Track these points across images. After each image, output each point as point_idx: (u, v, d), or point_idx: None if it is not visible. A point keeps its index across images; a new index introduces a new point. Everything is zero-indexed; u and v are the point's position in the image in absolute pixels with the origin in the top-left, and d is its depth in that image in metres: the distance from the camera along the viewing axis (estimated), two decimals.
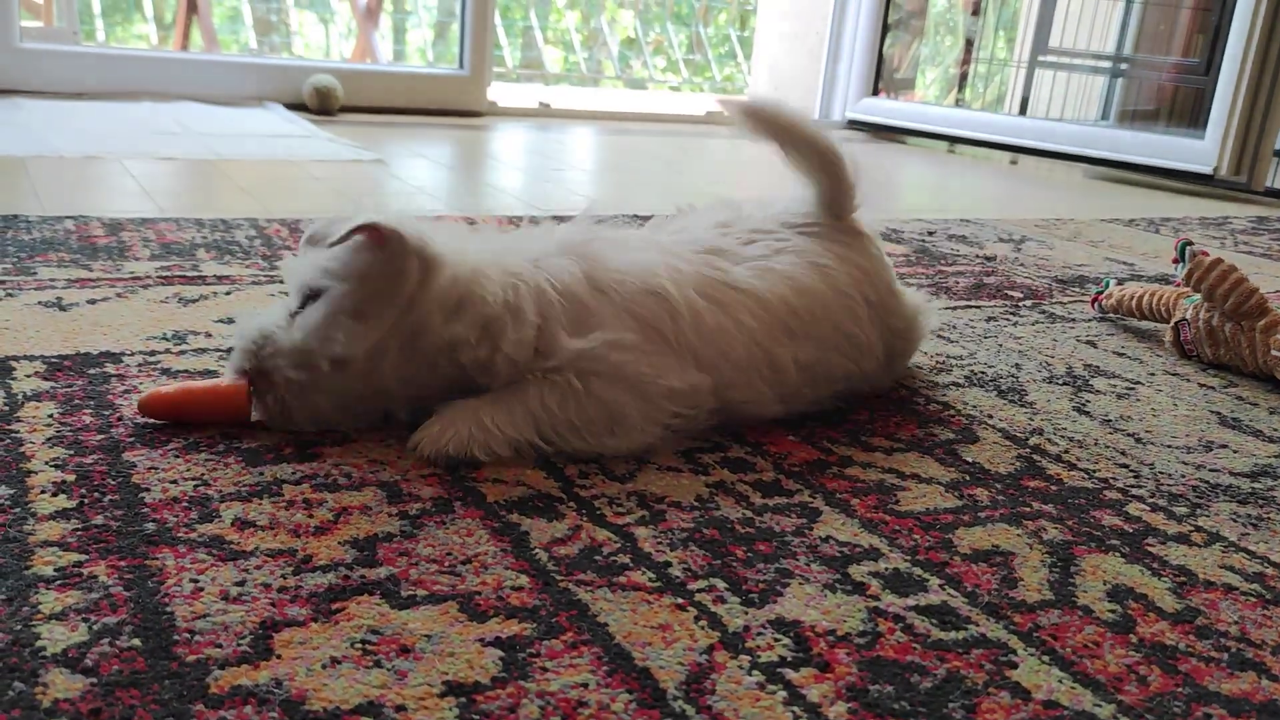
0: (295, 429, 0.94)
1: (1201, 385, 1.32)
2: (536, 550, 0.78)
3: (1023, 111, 4.22)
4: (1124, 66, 4.16)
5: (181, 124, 2.83)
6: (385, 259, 0.91)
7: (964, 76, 4.68)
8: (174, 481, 0.83)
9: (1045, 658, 0.70)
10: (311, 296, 0.93)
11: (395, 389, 0.94)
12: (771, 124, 1.12)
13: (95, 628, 0.63)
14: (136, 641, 0.63)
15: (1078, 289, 1.81)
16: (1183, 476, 1.02)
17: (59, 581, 0.68)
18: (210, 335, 1.19)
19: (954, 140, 4.07)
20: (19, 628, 0.63)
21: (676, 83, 6.87)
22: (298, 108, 3.32)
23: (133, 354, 1.10)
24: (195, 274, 1.43)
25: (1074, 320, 1.60)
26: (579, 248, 1.00)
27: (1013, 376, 1.29)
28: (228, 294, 1.35)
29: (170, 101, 3.16)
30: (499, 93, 3.90)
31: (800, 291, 1.05)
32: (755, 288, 1.03)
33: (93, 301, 1.27)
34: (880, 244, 1.18)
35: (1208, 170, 3.28)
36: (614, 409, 0.93)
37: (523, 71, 6.24)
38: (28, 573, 0.69)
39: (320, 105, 3.32)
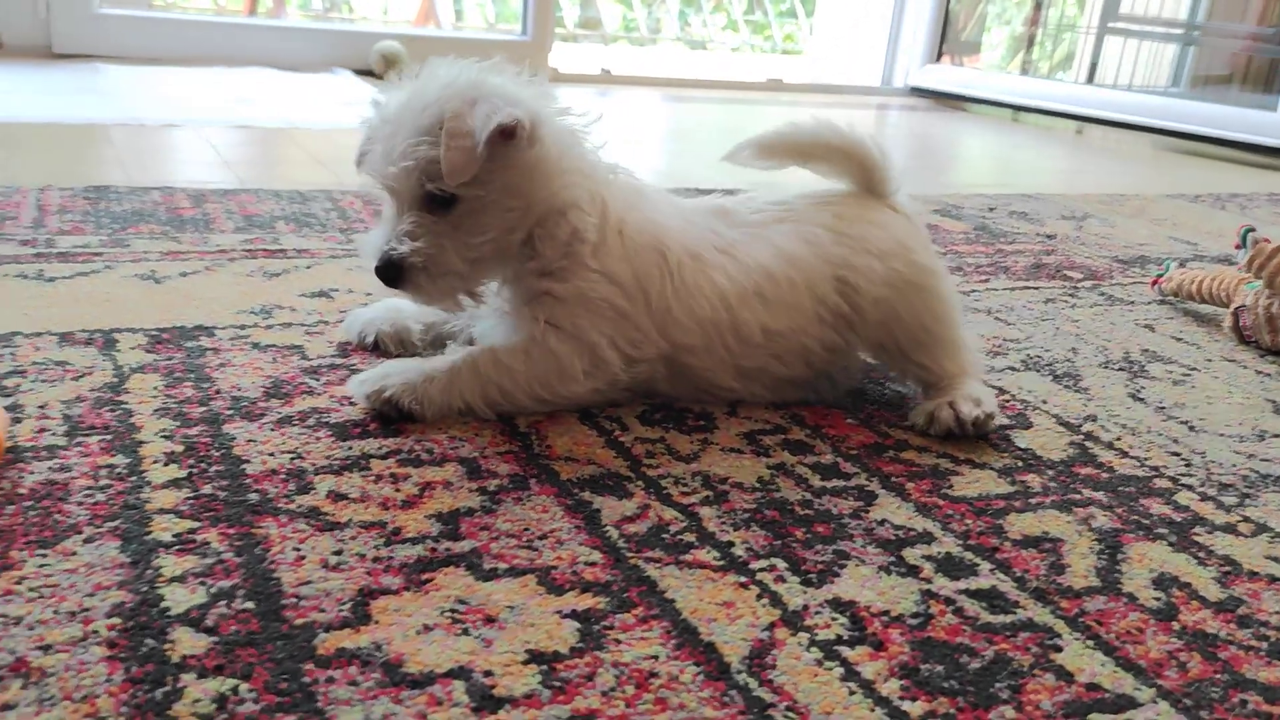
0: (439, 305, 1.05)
1: (1259, 372, 1.33)
2: (607, 528, 0.83)
3: (1090, 78, 4.15)
4: (1196, 34, 4.07)
5: (254, 91, 2.90)
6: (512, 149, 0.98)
7: (1031, 38, 4.60)
8: (271, 454, 0.90)
9: (1090, 642, 0.74)
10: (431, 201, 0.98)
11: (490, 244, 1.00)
12: (785, 148, 1.13)
13: (212, 591, 0.70)
14: (250, 604, 0.69)
15: (1138, 269, 1.82)
16: (1234, 466, 1.05)
17: (176, 547, 0.75)
18: (295, 310, 1.25)
19: (1018, 109, 4.03)
20: (145, 589, 0.69)
21: (736, 43, 6.82)
22: (365, 73, 3.38)
23: (224, 328, 1.17)
24: (276, 247, 1.50)
25: (1133, 303, 1.61)
26: (633, 189, 1.08)
27: (1069, 361, 1.32)
28: (308, 268, 1.41)
29: (242, 67, 3.24)
30: (560, 57, 3.93)
31: (782, 257, 1.07)
32: (736, 250, 1.07)
33: (184, 274, 1.34)
34: (915, 218, 1.17)
35: (1279, 143, 3.22)
36: (564, 362, 1.01)
37: (581, 32, 6.23)
38: (148, 538, 0.75)
39: (387, 70, 3.38)
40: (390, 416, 0.98)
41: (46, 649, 0.63)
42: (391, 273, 0.97)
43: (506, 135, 0.96)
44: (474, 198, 0.97)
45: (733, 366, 1.06)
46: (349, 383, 1.01)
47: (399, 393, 0.97)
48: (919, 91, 4.36)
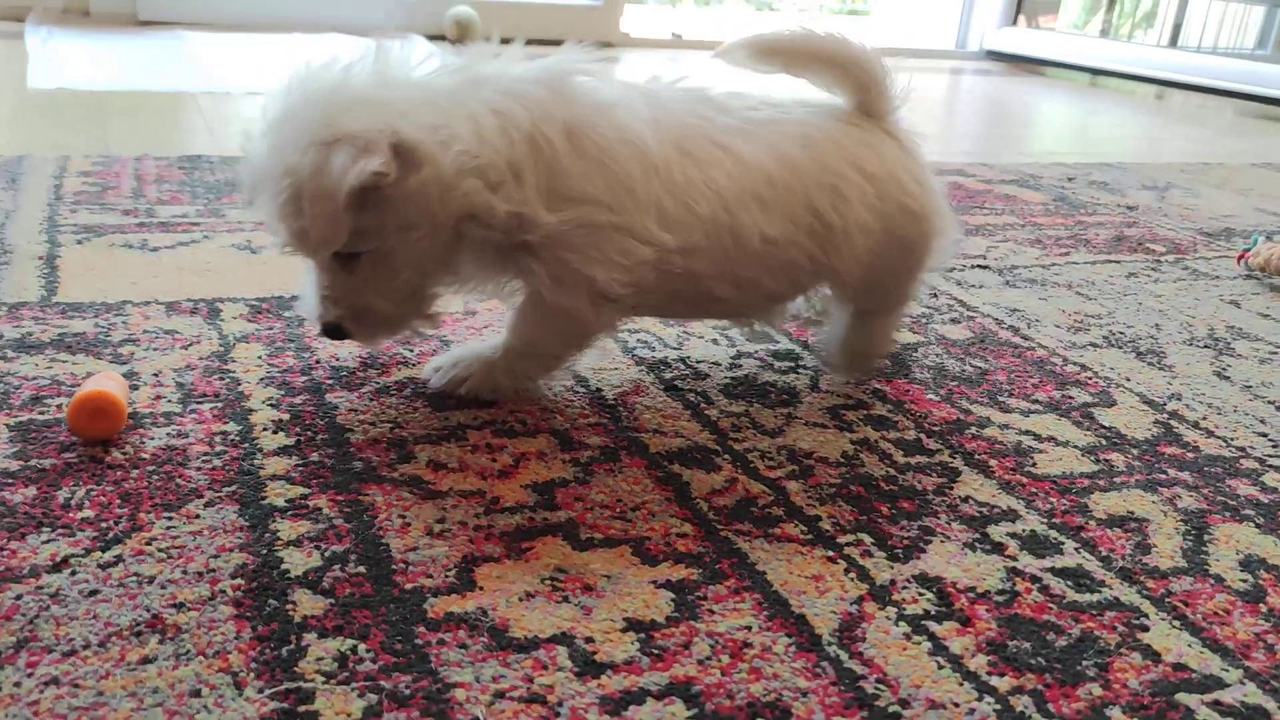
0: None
1: None
2: (697, 500, 0.85)
3: (1174, 40, 4.04)
4: None
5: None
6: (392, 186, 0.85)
7: None
8: (372, 423, 0.93)
9: (1176, 623, 0.75)
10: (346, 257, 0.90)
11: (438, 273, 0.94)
12: (778, 50, 1.02)
13: (326, 555, 0.74)
14: (362, 569, 0.73)
15: (1224, 243, 1.78)
16: None
17: (290, 512, 0.78)
18: None
19: (1097, 72, 3.93)
20: (265, 552, 0.73)
21: (803, 3, 6.72)
22: (438, 39, 3.41)
23: None
24: None
25: (1218, 278, 1.58)
26: (559, 83, 0.93)
27: (1152, 338, 1.31)
28: None
29: (320, 33, 3.28)
30: (631, 21, 3.92)
31: (781, 159, 0.97)
32: (737, 147, 0.96)
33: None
34: (913, 144, 1.06)
35: None
36: (572, 311, 0.94)
37: None
38: (264, 503, 0.79)
39: (460, 37, 3.41)
40: None
41: (179, 607, 0.67)
42: (334, 336, 0.95)
43: (371, 188, 0.84)
44: (370, 250, 0.89)
45: (731, 274, 0.98)
46: (424, 369, 1.03)
47: (475, 386, 0.99)
48: (995, 55, 4.27)
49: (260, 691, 0.61)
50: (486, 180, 0.88)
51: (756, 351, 1.17)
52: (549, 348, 0.99)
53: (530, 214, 0.89)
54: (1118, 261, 1.63)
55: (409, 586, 0.71)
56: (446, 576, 0.73)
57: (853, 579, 0.77)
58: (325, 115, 0.85)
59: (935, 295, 1.40)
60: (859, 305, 1.09)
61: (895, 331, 1.12)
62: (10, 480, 0.79)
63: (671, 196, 0.93)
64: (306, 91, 0.88)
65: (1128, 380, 1.17)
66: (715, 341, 1.18)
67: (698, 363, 1.12)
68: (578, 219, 0.90)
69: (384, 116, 0.85)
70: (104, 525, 0.75)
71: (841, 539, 0.81)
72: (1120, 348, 1.27)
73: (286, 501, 0.80)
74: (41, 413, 0.89)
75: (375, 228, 0.87)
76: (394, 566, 0.73)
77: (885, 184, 1.00)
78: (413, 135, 0.85)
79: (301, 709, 0.59)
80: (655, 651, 0.67)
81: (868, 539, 0.82)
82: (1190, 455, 1.00)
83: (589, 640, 0.68)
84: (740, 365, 1.13)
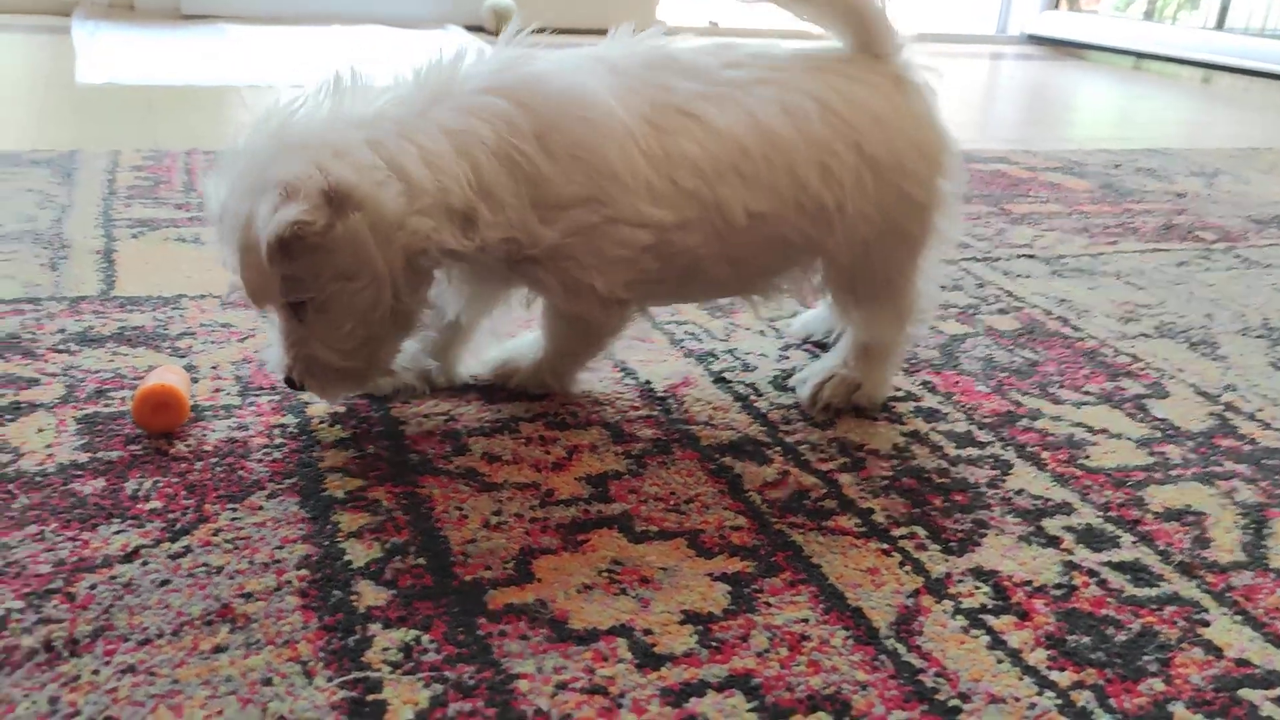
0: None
1: None
2: (750, 493, 0.86)
3: (1221, 22, 3.97)
4: None
5: (372, 50, 2.96)
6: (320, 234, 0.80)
7: None
8: (426, 416, 0.94)
9: (1237, 617, 0.74)
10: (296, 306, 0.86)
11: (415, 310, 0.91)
12: None
13: (387, 546, 0.75)
14: (422, 560, 0.74)
15: (1275, 230, 1.76)
16: None
17: (350, 504, 0.80)
18: None
19: (1140, 56, 3.87)
20: (327, 543, 0.75)
21: None
22: (476, 29, 3.42)
23: None
24: None
25: (1270, 265, 1.56)
26: (518, 89, 0.87)
27: (1204, 328, 1.29)
28: None
29: (358, 25, 3.30)
30: (667, 8, 3.90)
31: (758, 130, 0.90)
32: (707, 114, 0.90)
33: None
34: (924, 90, 0.98)
35: None
36: (587, 315, 0.93)
37: None
38: (324, 495, 0.81)
39: (498, 26, 3.41)
40: None
41: (248, 597, 0.68)
42: (291, 386, 0.90)
43: (296, 239, 0.79)
44: (310, 299, 0.84)
45: (724, 252, 0.92)
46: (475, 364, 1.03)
47: (524, 381, 1.00)
48: (1036, 39, 4.22)
49: (330, 680, 0.62)
50: (448, 215, 0.84)
51: (804, 344, 1.17)
52: (573, 348, 0.99)
53: (525, 235, 0.86)
54: (1167, 250, 1.61)
55: (469, 578, 0.72)
56: (505, 568, 0.74)
57: (908, 572, 0.77)
58: (265, 160, 0.81)
59: (982, 285, 1.39)
60: (849, 293, 1.01)
61: (892, 374, 1.06)
62: (80, 472, 0.81)
63: (656, 171, 0.88)
64: (257, 134, 0.84)
65: (1180, 371, 1.16)
66: (762, 333, 1.19)
67: (745, 354, 1.13)
68: (571, 226, 0.87)
69: (318, 159, 0.80)
70: (171, 516, 0.76)
71: (895, 532, 0.82)
72: (1172, 338, 1.25)
73: (346, 493, 0.81)
74: (106, 405, 0.91)
75: (309, 276, 0.82)
76: (453, 558, 0.74)
77: (887, 169, 0.93)
78: (347, 178, 0.79)
79: (370, 698, 0.61)
80: (714, 644, 0.68)
81: (921, 532, 0.82)
82: (1247, 447, 0.99)
83: (648, 632, 0.68)
84: (788, 357, 1.13)
